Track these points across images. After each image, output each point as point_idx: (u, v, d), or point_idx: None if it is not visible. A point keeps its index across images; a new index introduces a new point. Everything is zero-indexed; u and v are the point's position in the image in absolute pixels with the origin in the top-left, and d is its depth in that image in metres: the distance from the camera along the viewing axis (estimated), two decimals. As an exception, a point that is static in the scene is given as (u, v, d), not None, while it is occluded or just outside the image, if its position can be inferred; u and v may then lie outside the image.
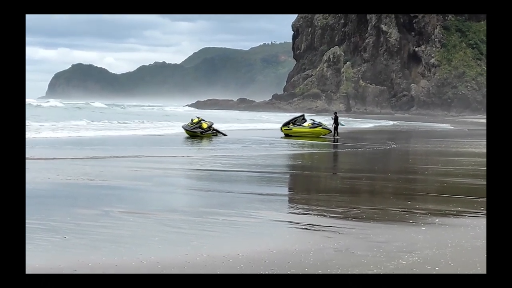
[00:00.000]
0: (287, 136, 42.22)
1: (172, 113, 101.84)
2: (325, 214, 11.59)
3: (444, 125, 78.22)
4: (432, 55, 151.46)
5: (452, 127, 71.06)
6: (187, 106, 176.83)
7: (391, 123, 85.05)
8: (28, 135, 32.27)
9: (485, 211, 11.79)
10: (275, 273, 7.53)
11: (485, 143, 35.30)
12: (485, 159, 24.00)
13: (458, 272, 7.54)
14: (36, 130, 38.93)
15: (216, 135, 40.55)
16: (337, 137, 40.89)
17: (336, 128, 42.37)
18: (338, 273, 7.55)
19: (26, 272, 6.49)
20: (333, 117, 43.52)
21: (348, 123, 66.28)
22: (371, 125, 74.26)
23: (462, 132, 57.45)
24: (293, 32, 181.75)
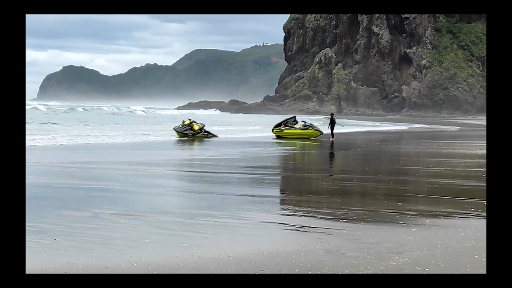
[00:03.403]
0: (278, 137, 42.19)
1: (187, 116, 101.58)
2: (316, 215, 11.60)
3: (451, 127, 77.87)
4: (423, 57, 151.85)
5: (459, 128, 71.35)
6: (214, 110, 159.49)
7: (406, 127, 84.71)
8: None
9: (475, 212, 11.83)
10: (265, 273, 7.53)
11: (477, 144, 35.46)
12: (477, 160, 24.10)
13: (458, 272, 7.54)
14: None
15: (207, 137, 40.57)
16: (332, 139, 40.20)
17: (332, 129, 41.79)
18: (329, 273, 7.56)
19: (26, 272, 6.48)
20: (330, 119, 42.86)
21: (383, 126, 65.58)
22: (404, 127, 74.24)
23: (473, 133, 57.64)
24: (284, 33, 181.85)
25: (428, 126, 78.85)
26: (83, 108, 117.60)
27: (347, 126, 60.60)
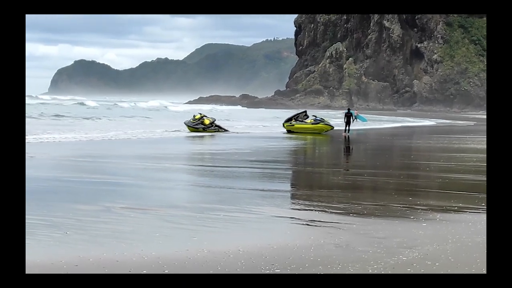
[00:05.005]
0: (289, 132, 42.19)
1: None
2: (326, 210, 11.59)
3: (467, 122, 77.34)
4: (435, 51, 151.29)
5: (474, 123, 71.02)
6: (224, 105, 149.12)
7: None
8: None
9: (486, 207, 11.80)
10: (276, 269, 7.54)
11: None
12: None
13: (458, 272, 7.51)
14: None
15: (218, 131, 40.61)
16: (348, 134, 39.77)
17: (347, 124, 40.56)
18: (339, 271, 7.56)
19: (26, 272, 6.48)
20: (345, 113, 41.31)
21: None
22: (432, 123, 73.46)
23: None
24: (295, 28, 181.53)
25: (450, 121, 78.43)
26: (115, 104, 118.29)
27: (376, 122, 60.22)
